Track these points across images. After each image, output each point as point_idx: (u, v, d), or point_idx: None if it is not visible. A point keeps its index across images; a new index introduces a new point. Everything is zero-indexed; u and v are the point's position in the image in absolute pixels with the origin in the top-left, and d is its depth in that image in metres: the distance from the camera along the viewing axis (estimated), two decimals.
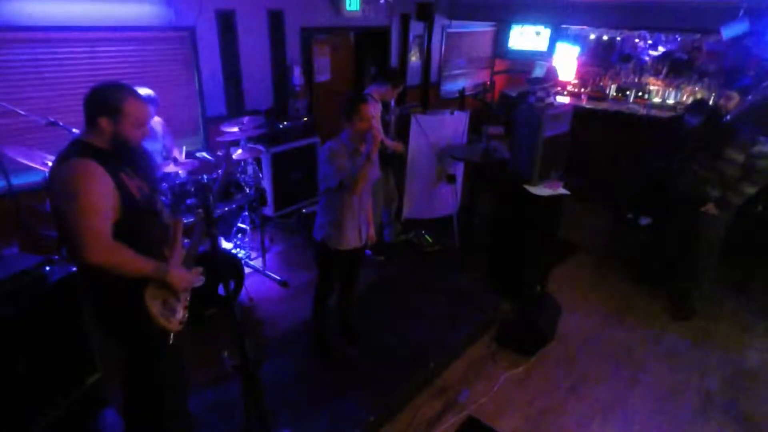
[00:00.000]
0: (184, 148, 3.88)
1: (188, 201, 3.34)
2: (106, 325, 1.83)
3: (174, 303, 1.85)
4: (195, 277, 1.89)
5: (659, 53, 6.69)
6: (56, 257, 2.47)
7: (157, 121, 3.65)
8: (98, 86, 1.69)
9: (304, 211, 5.02)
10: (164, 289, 1.77)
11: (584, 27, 6.84)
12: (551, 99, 3.70)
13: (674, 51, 6.58)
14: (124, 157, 1.76)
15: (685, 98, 6.25)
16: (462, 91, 4.93)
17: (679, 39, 6.54)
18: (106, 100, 1.67)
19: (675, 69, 6.53)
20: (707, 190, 3.39)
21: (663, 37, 6.63)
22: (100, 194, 1.58)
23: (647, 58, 6.78)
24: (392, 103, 4.06)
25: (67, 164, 1.59)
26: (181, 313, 1.88)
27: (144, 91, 3.41)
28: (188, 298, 1.96)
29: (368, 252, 4.22)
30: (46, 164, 2.89)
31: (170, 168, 3.33)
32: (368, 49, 6.25)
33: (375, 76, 4.10)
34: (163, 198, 3.30)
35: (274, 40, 4.85)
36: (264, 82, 4.92)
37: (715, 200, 3.37)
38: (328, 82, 5.82)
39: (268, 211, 4.68)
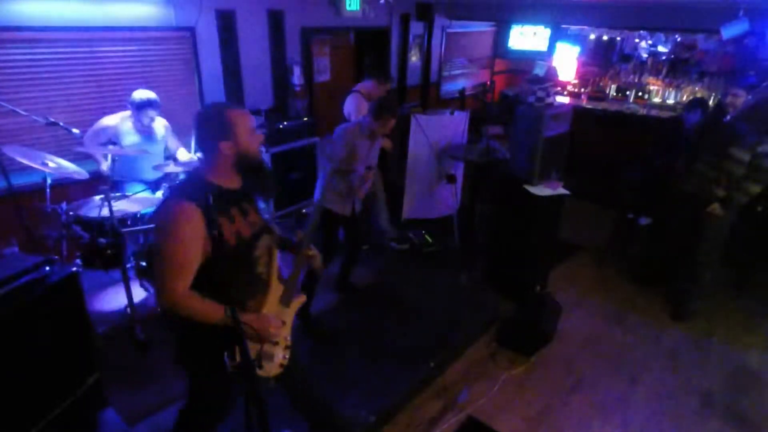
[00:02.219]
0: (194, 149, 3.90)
1: None
2: (188, 359, 1.84)
3: (271, 348, 1.79)
4: (277, 323, 1.76)
5: (659, 53, 6.70)
6: (56, 257, 2.47)
7: (159, 123, 3.66)
8: (199, 118, 1.69)
9: (304, 211, 5.02)
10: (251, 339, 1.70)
11: (584, 27, 6.84)
12: (551, 99, 3.68)
13: (674, 51, 6.59)
14: (250, 183, 1.76)
15: (685, 98, 6.26)
16: (462, 91, 4.94)
17: (679, 39, 6.54)
18: (214, 124, 1.65)
19: (675, 69, 6.54)
20: (713, 190, 3.39)
21: (663, 37, 6.64)
22: (189, 242, 1.58)
23: (646, 56, 6.79)
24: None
25: (168, 205, 1.62)
26: (281, 355, 1.84)
27: (146, 93, 3.42)
28: (288, 338, 1.90)
29: (393, 245, 4.36)
30: (46, 164, 2.90)
31: (170, 168, 3.33)
32: (368, 49, 6.25)
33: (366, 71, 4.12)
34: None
35: (274, 40, 4.85)
36: (264, 82, 4.92)
37: (720, 200, 3.36)
38: (328, 82, 5.82)
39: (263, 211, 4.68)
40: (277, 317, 1.80)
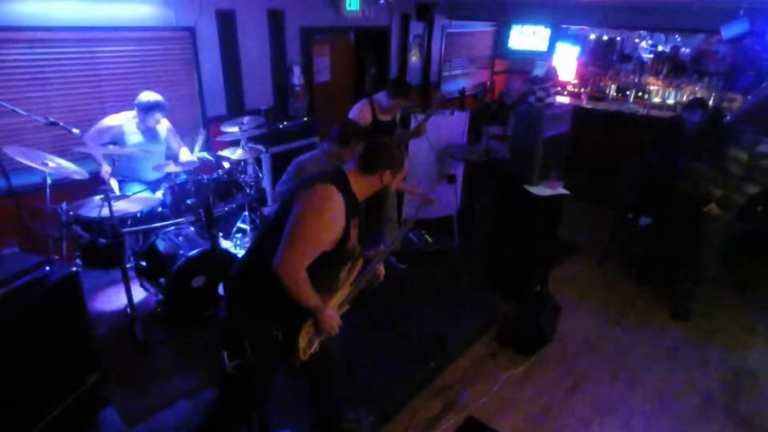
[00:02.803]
0: (198, 144, 3.91)
1: (188, 201, 3.35)
2: (249, 322, 1.89)
3: (314, 338, 1.93)
4: (338, 324, 1.91)
5: (659, 53, 6.70)
6: (56, 257, 2.47)
7: (162, 124, 3.66)
8: (385, 144, 1.86)
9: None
10: (315, 328, 1.88)
11: (584, 27, 6.84)
12: (551, 99, 3.69)
13: (674, 51, 6.59)
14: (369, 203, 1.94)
15: (685, 98, 6.25)
16: (462, 91, 4.93)
17: (679, 39, 6.54)
18: (393, 160, 1.84)
19: (675, 69, 6.54)
20: (710, 190, 3.39)
21: (663, 37, 6.64)
22: (330, 229, 1.70)
23: (647, 57, 6.78)
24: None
25: (323, 187, 1.71)
26: (315, 346, 1.95)
27: (154, 96, 3.43)
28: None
29: (392, 258, 4.20)
30: (46, 164, 2.90)
31: (170, 168, 3.33)
32: (368, 49, 6.25)
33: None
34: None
35: (274, 40, 4.85)
36: (264, 82, 4.92)
37: (717, 200, 3.36)
38: (328, 82, 5.82)
39: (268, 211, 4.68)
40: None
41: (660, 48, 6.70)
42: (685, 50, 6.50)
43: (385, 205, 3.98)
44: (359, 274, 2.00)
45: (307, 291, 1.73)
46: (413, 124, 4.12)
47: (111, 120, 3.46)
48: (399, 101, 3.65)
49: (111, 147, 3.20)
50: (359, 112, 3.63)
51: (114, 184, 3.46)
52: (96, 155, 3.43)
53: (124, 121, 3.48)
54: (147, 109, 3.41)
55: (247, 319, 1.85)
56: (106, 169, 3.46)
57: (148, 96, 3.42)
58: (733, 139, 3.26)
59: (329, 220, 1.69)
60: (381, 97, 3.70)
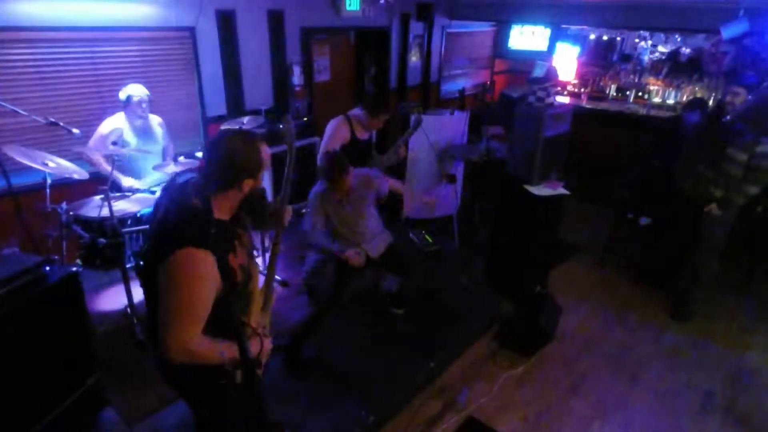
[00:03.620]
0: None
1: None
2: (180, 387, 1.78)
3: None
4: (267, 343, 1.74)
5: (659, 53, 6.69)
6: (56, 257, 2.47)
7: (157, 122, 3.65)
8: (223, 149, 1.53)
9: (303, 211, 5.01)
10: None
11: (584, 27, 6.84)
12: (551, 99, 3.69)
13: (674, 51, 6.58)
14: (252, 214, 1.69)
15: (685, 98, 6.25)
16: (462, 91, 4.93)
17: (679, 39, 6.54)
18: (248, 161, 1.53)
19: (675, 69, 6.53)
20: (710, 190, 3.39)
21: (663, 37, 6.63)
22: (205, 290, 1.47)
23: (647, 57, 6.78)
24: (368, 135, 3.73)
25: (180, 254, 1.42)
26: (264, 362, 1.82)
27: (131, 88, 3.40)
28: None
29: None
30: (46, 164, 2.89)
31: (170, 168, 3.33)
32: (368, 49, 6.25)
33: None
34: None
35: (274, 40, 4.85)
36: (264, 82, 4.92)
37: (717, 200, 3.36)
38: (328, 82, 5.82)
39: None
40: (260, 324, 1.80)
41: (660, 48, 6.69)
42: (685, 50, 6.49)
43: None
44: (270, 264, 1.89)
45: (209, 353, 1.51)
46: (413, 121, 4.12)
47: (109, 124, 3.44)
48: (382, 117, 3.55)
49: (111, 147, 3.20)
50: (335, 131, 3.49)
51: (130, 180, 3.46)
52: (101, 163, 3.39)
53: (120, 122, 3.47)
54: (131, 100, 3.39)
55: (187, 386, 1.73)
56: (127, 182, 3.45)
57: (127, 91, 3.39)
58: (733, 140, 3.26)
59: (200, 284, 1.46)
60: (358, 113, 3.57)
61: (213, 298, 1.51)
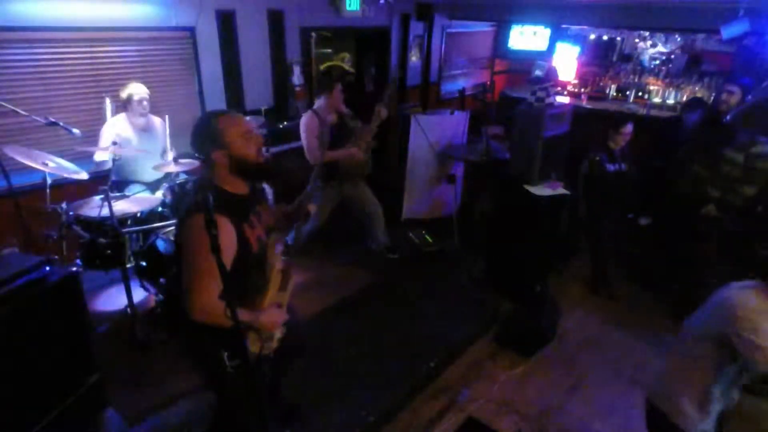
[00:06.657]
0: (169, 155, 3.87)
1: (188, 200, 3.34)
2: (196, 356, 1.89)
3: (267, 340, 1.83)
4: (282, 315, 1.83)
5: (659, 53, 6.69)
6: (56, 257, 2.47)
7: (158, 121, 3.65)
8: (192, 130, 1.72)
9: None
10: (259, 333, 1.76)
11: (584, 27, 6.84)
12: (551, 99, 3.69)
13: (674, 51, 6.58)
14: (259, 187, 1.82)
15: (685, 98, 6.25)
16: (462, 91, 4.93)
17: (679, 39, 6.54)
18: (204, 134, 1.69)
19: (675, 69, 6.53)
20: (707, 191, 3.39)
21: (663, 37, 6.63)
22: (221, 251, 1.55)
23: (647, 58, 6.78)
24: (344, 109, 3.78)
25: (197, 217, 1.54)
26: (279, 332, 1.87)
27: (130, 87, 3.40)
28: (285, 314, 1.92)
29: (390, 256, 4.21)
30: (46, 164, 2.89)
31: (170, 168, 3.33)
32: (368, 49, 6.25)
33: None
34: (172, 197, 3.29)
35: (274, 40, 4.85)
36: (264, 82, 4.92)
37: (715, 201, 3.36)
38: None
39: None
40: (277, 304, 1.83)
41: (660, 48, 6.69)
42: (685, 50, 6.49)
43: (361, 205, 3.97)
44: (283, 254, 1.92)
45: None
46: (413, 124, 4.13)
47: (112, 125, 3.45)
48: (327, 95, 3.66)
49: (112, 147, 3.20)
50: (307, 126, 3.62)
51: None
52: (105, 163, 3.38)
53: (121, 122, 3.47)
54: (131, 100, 3.39)
55: (192, 349, 1.83)
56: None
57: (127, 90, 3.40)
58: (730, 141, 3.26)
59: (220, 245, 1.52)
60: (320, 101, 3.73)
61: (230, 262, 1.59)
